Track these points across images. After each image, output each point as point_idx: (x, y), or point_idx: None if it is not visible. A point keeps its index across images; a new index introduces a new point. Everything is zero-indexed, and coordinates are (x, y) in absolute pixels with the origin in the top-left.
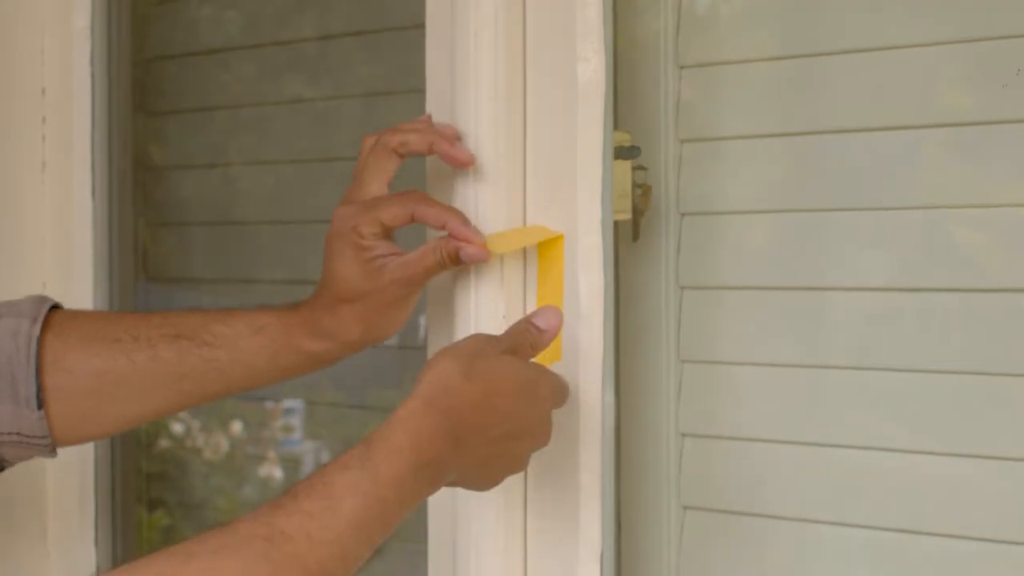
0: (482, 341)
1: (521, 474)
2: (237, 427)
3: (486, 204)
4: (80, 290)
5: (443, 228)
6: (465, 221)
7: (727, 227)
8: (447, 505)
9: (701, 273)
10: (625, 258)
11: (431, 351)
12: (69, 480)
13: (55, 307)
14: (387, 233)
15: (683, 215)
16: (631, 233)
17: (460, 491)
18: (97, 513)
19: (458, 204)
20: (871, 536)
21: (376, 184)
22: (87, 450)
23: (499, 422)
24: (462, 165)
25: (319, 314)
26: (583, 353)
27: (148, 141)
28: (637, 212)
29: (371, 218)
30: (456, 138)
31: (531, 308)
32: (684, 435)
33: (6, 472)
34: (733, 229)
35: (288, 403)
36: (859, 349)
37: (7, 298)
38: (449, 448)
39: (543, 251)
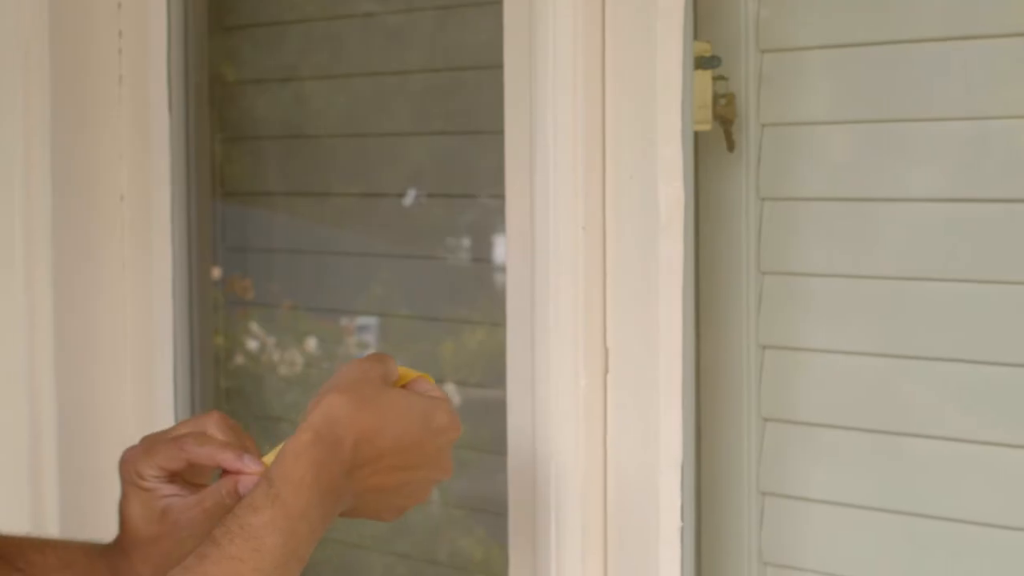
0: (365, 368)
1: (602, 383)
2: (312, 343)
3: (565, 117)
4: (158, 206)
5: (217, 467)
6: (239, 455)
7: (808, 138)
8: (527, 411)
9: (782, 184)
10: (706, 169)
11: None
12: (150, 394)
13: None
14: (172, 476)
15: (764, 126)
16: (725, 143)
17: (539, 399)
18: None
19: (536, 117)
20: (948, 448)
21: (162, 433)
22: (166, 365)
23: (392, 452)
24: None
25: (117, 557)
26: (663, 264)
27: (223, 57)
28: (725, 122)
29: (150, 462)
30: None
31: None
32: (764, 347)
33: (85, 394)
34: (814, 140)
35: (362, 320)
36: (942, 258)
37: (89, 212)
38: (343, 477)
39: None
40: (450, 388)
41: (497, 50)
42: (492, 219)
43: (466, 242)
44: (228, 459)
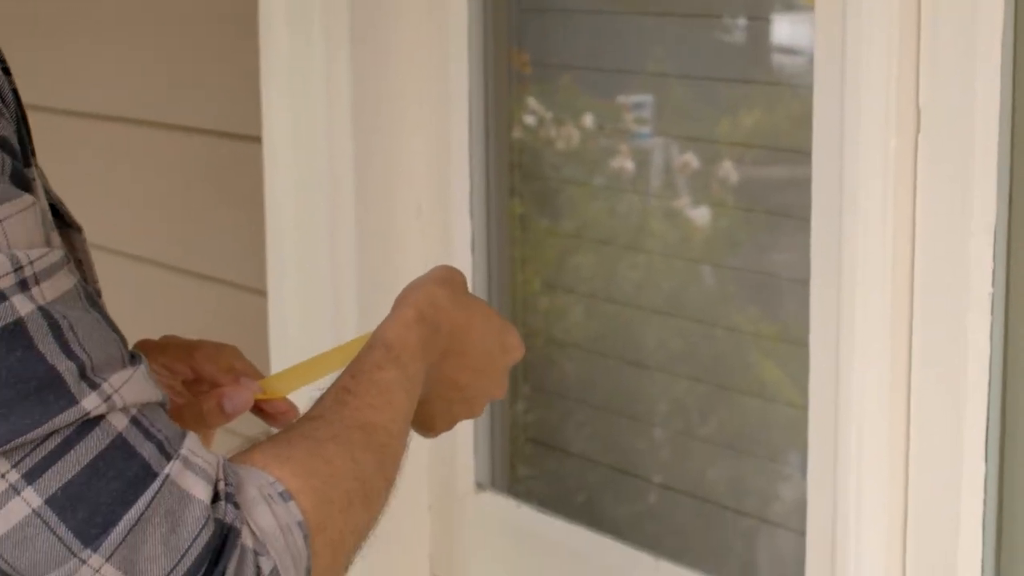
0: (453, 272)
1: (913, 145)
2: (588, 119)
3: None
4: None
5: (214, 384)
6: (238, 379)
7: None
8: (834, 176)
9: None
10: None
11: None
12: (447, 160)
13: None
14: (170, 377)
15: None
16: None
17: (847, 162)
18: (472, 194)
19: None
20: None
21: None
22: (461, 127)
23: (473, 354)
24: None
25: None
26: (983, 18)
27: None
28: None
29: (159, 357)
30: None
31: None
32: None
33: (382, 149)
34: None
35: (638, 98)
36: None
37: None
38: (436, 359)
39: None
40: (727, 165)
41: None
42: None
43: (751, 12)
44: (227, 381)
